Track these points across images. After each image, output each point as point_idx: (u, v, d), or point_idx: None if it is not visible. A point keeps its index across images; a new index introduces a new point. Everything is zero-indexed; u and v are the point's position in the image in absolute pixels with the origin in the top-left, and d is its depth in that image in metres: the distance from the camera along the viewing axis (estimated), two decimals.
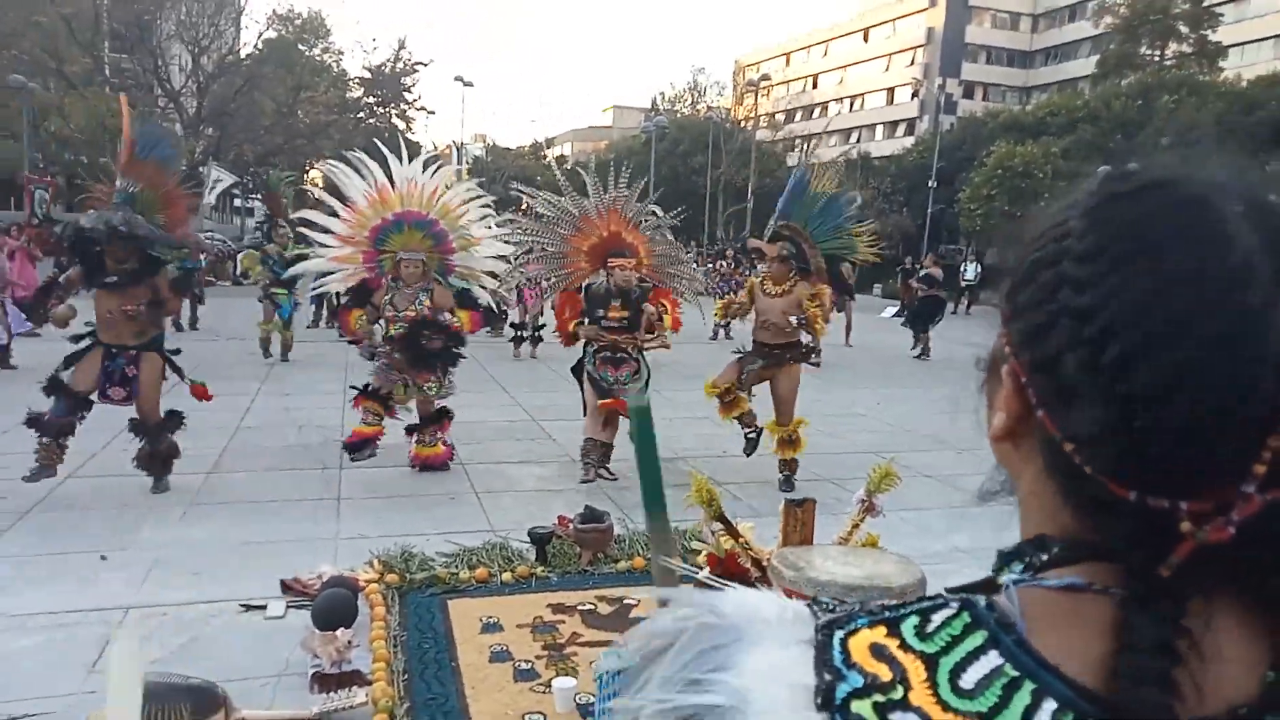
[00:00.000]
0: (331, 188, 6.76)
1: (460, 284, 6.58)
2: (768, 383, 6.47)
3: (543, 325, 12.14)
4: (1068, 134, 32.05)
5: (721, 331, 14.77)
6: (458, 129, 43.49)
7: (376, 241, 6.34)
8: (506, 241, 6.92)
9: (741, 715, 0.50)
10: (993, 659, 0.50)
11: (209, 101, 32.76)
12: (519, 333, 12.51)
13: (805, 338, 6.40)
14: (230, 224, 41.42)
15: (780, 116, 50.54)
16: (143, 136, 5.92)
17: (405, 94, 39.94)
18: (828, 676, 0.51)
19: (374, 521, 5.22)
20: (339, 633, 3.41)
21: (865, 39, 59.90)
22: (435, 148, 46.72)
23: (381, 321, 6.33)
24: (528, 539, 4.67)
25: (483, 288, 6.70)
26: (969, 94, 53.54)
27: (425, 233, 6.38)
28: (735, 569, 2.61)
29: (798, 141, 48.63)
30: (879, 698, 0.50)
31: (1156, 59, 39.59)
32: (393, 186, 6.35)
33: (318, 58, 38.03)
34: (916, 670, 0.51)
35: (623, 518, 5.28)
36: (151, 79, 32.95)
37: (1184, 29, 39.53)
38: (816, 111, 58.54)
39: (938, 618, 0.54)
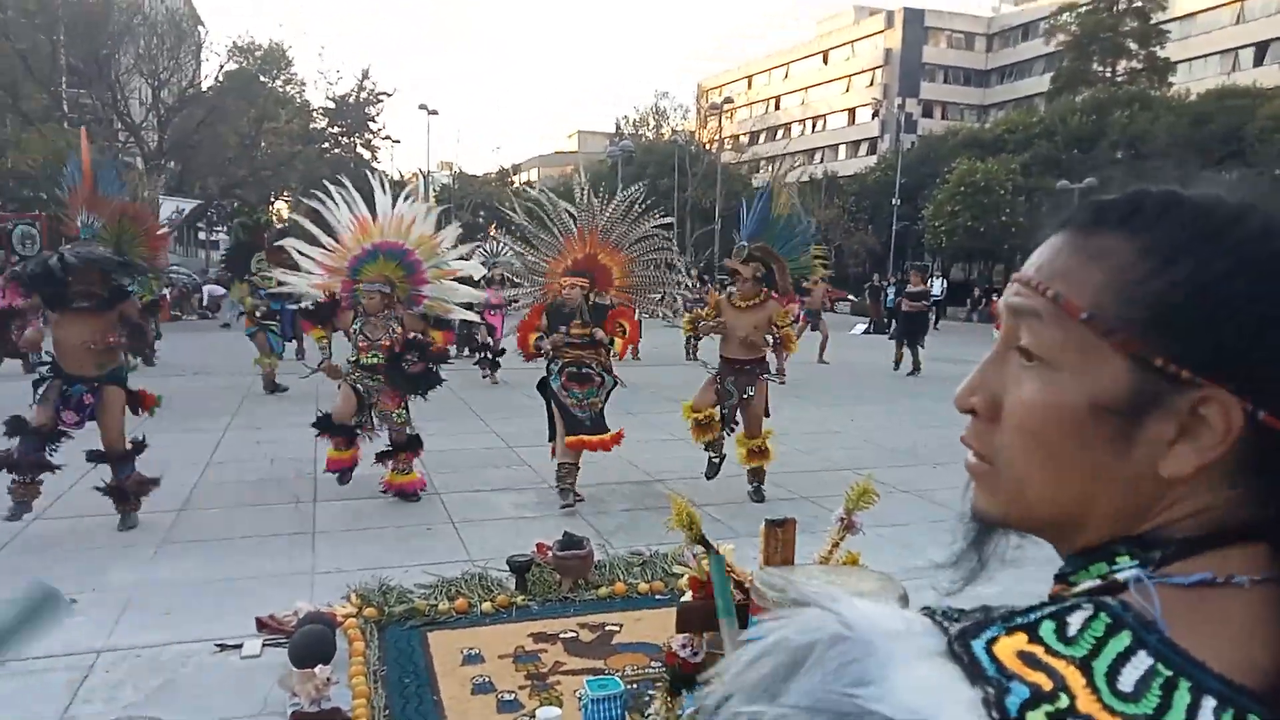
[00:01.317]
0: (315, 217, 6.74)
1: (424, 311, 6.58)
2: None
3: (503, 351, 12.15)
4: (1025, 149, 32.69)
5: (691, 351, 14.83)
6: (423, 157, 43.31)
7: (353, 271, 6.36)
8: (474, 277, 7.00)
9: None
10: (1143, 659, 0.50)
11: (170, 134, 32.50)
12: (483, 355, 12.52)
13: (770, 357, 6.50)
14: (195, 257, 40.95)
15: (744, 138, 51.05)
16: (102, 171, 5.92)
17: (370, 123, 39.90)
18: (990, 689, 0.49)
19: (350, 555, 5.15)
20: (317, 670, 3.36)
21: (825, 61, 60.77)
22: (401, 176, 46.80)
23: (351, 349, 6.33)
24: (507, 568, 4.64)
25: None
26: (928, 113, 54.44)
27: (398, 262, 6.38)
28: None
29: (763, 163, 49.13)
30: (1049, 708, 0.48)
31: (1108, 75, 40.56)
32: (374, 218, 6.38)
33: (280, 89, 37.89)
34: (1074, 676, 0.50)
35: (602, 543, 5.26)
36: (111, 113, 32.64)
37: (1133, 46, 40.58)
38: (780, 133, 59.24)
39: (1075, 619, 0.53)
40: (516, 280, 6.99)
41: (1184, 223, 0.57)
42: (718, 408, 6.51)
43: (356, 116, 38.89)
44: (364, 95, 38.72)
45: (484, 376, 12.45)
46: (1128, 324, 0.56)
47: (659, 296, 7.03)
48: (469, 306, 6.96)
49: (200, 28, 35.62)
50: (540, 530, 5.40)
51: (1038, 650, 0.52)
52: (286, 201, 36.80)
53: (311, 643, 3.52)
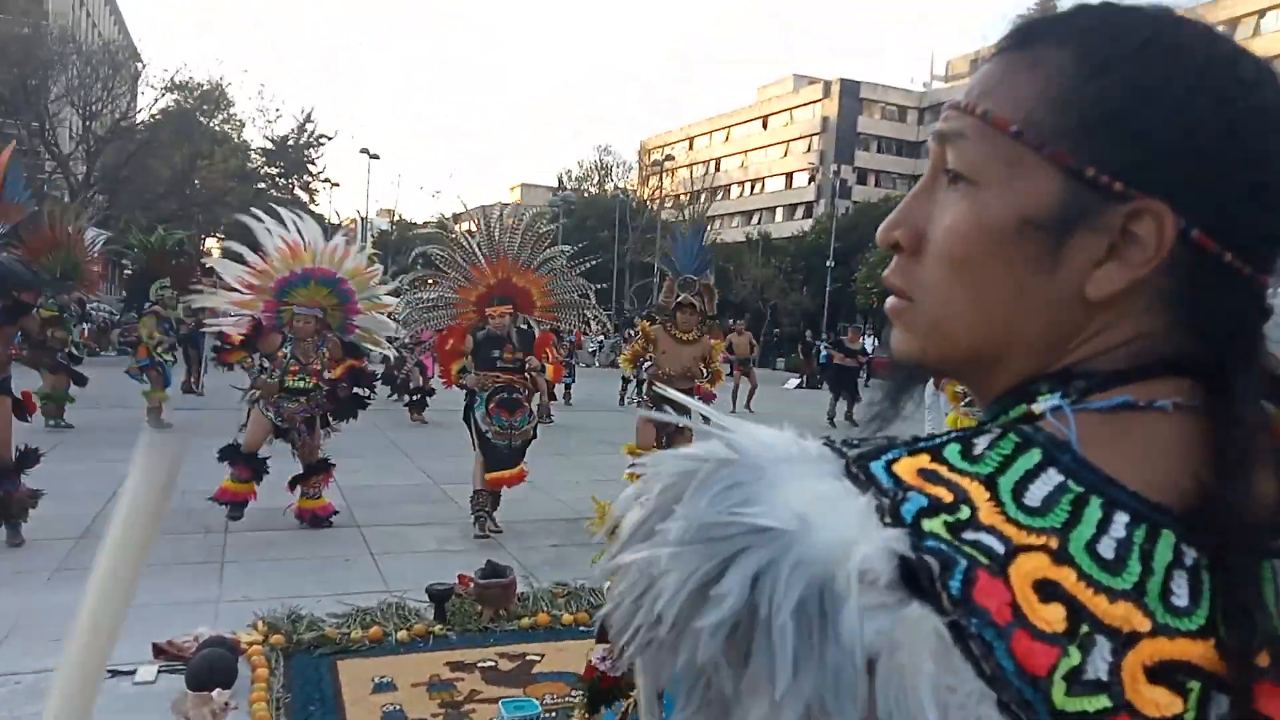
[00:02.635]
0: (234, 256, 6.63)
1: (354, 340, 6.55)
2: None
3: (433, 391, 11.98)
4: None
5: (632, 390, 14.86)
6: (362, 201, 43.05)
7: (280, 293, 6.27)
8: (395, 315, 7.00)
9: (799, 541, 0.43)
10: (1053, 476, 0.48)
11: (99, 167, 31.70)
12: (412, 397, 12.29)
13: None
14: (115, 292, 39.73)
15: (684, 197, 51.95)
16: (10, 178, 5.78)
17: (309, 165, 39.53)
18: (885, 499, 0.46)
19: (260, 585, 4.92)
20: (215, 693, 3.18)
21: (764, 125, 62.42)
22: (339, 220, 46.35)
23: (277, 372, 6.17)
24: (426, 598, 4.47)
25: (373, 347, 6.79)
26: (862, 180, 56.16)
27: (331, 290, 6.35)
28: None
29: (704, 216, 49.93)
30: (948, 517, 0.45)
31: None
32: (304, 244, 6.34)
33: (217, 128, 37.37)
34: (977, 490, 0.47)
35: (527, 576, 5.12)
36: (38, 143, 31.76)
37: None
38: (720, 194, 60.41)
39: (981, 441, 0.50)
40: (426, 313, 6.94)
41: (1121, 28, 0.54)
42: (658, 442, 6.46)
43: (296, 158, 38.50)
44: (305, 138, 38.41)
45: (412, 419, 12.19)
46: (1059, 135, 0.53)
47: (585, 316, 7.06)
48: (390, 341, 6.96)
49: (137, 62, 35.03)
50: (463, 564, 5.23)
51: (940, 468, 0.48)
52: (218, 239, 36.02)
53: (210, 665, 3.32)
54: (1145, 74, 0.52)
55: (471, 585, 4.53)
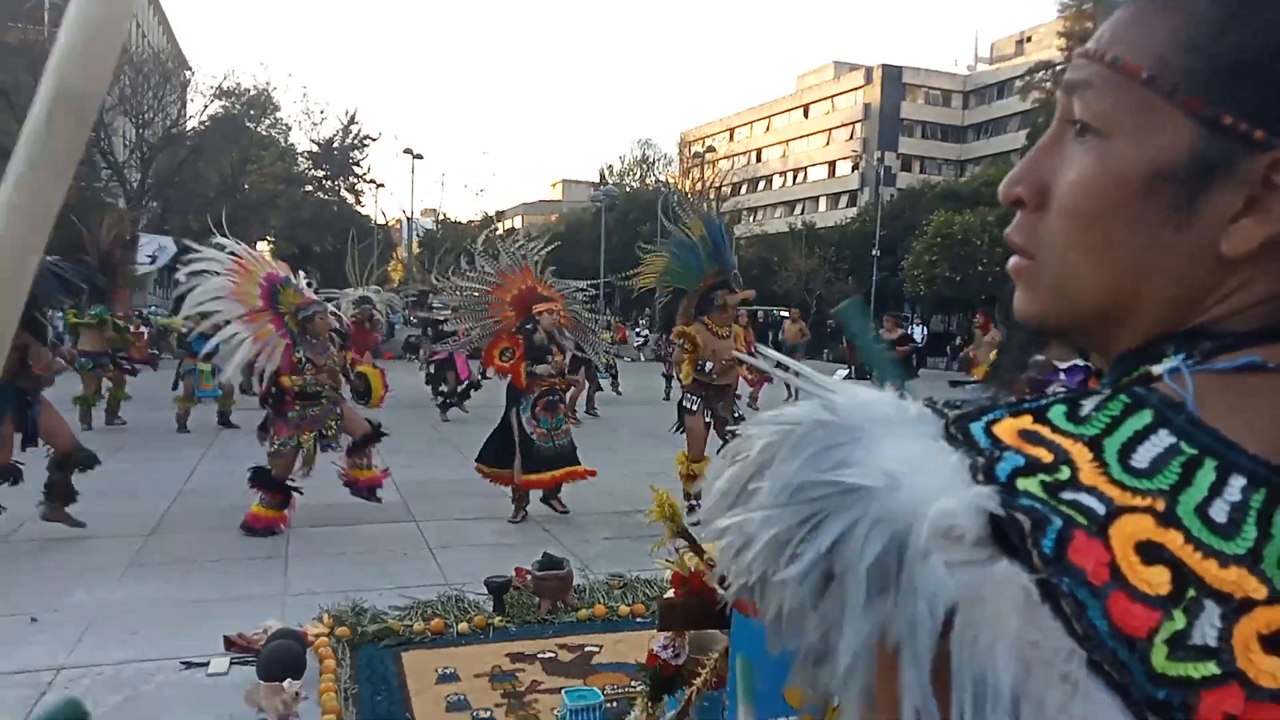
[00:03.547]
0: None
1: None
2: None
3: (478, 385, 12.12)
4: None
5: (668, 391, 14.91)
6: (407, 200, 43.42)
7: (273, 303, 6.17)
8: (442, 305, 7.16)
9: (888, 497, 0.43)
10: (1164, 437, 0.46)
11: (153, 173, 32.45)
12: (447, 400, 12.33)
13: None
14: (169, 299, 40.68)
15: (726, 188, 51.73)
16: None
17: (355, 167, 40.03)
18: (980, 457, 0.45)
19: (324, 578, 5.02)
20: (286, 683, 3.26)
21: (805, 114, 61.86)
22: (385, 220, 46.92)
23: (294, 377, 6.16)
24: (484, 590, 4.54)
25: None
26: (907, 167, 55.42)
27: (293, 288, 6.32)
28: (701, 587, 2.54)
29: (744, 213, 49.67)
30: (1045, 477, 0.44)
31: None
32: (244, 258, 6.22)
33: (265, 132, 37.99)
34: (1080, 452, 0.46)
35: (583, 568, 5.17)
36: (94, 152, 32.59)
37: None
38: (761, 184, 60.06)
39: (1089, 402, 0.49)
40: (458, 313, 7.04)
41: None
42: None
43: (341, 160, 39.03)
44: (349, 139, 38.91)
45: (443, 419, 12.19)
46: (1194, 81, 0.50)
47: (596, 343, 7.41)
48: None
49: (186, 70, 35.78)
50: (518, 556, 5.30)
51: (1043, 429, 0.47)
52: (269, 242, 36.66)
53: (280, 656, 3.41)
54: None
55: (529, 578, 4.59)
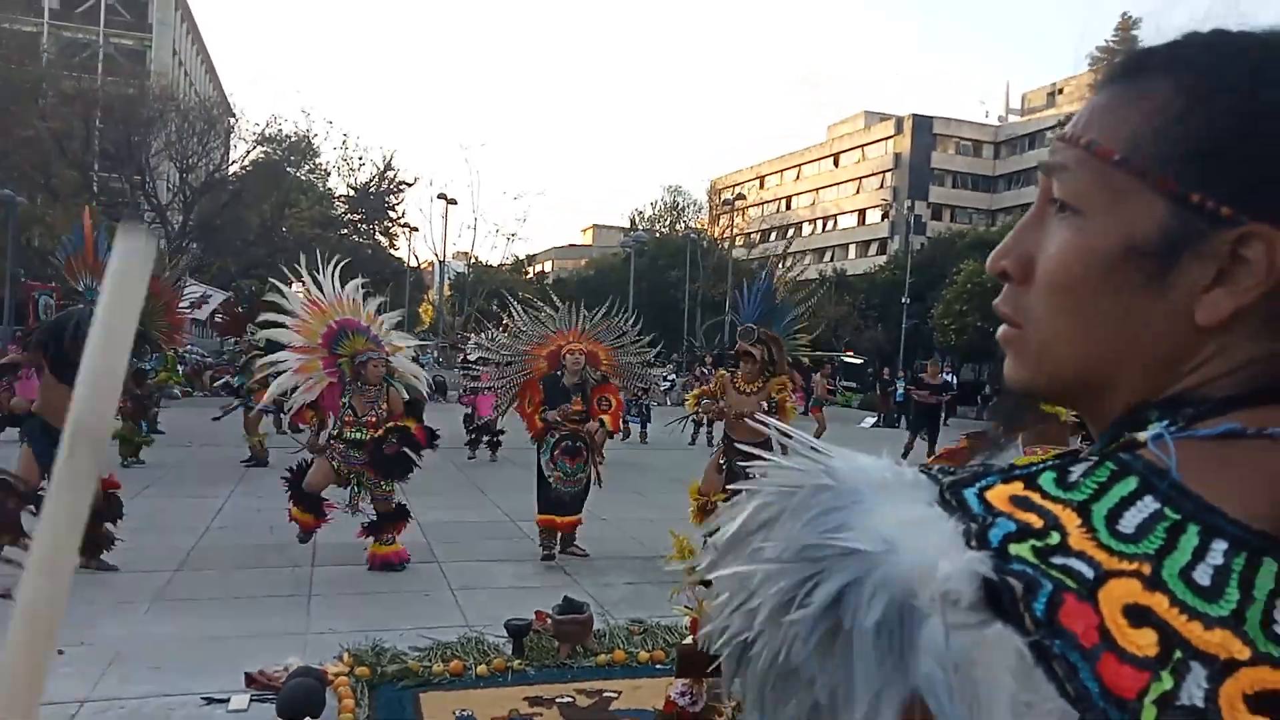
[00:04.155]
0: (275, 308, 6.81)
1: (399, 384, 6.66)
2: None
3: (502, 431, 12.18)
4: None
5: (702, 434, 14.86)
6: (439, 244, 43.99)
7: (333, 347, 6.37)
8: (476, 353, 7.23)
9: (885, 562, 0.45)
10: (1149, 503, 0.48)
11: (195, 217, 33.25)
12: (472, 435, 12.44)
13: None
14: (210, 338, 41.36)
15: (755, 235, 51.97)
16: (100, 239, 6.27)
17: (389, 211, 40.76)
18: (973, 524, 0.47)
19: (346, 618, 5.04)
20: None
21: (835, 163, 62.30)
22: (417, 263, 47.57)
23: (335, 422, 6.33)
24: (504, 633, 4.53)
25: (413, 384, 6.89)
26: (937, 215, 55.48)
27: (365, 337, 6.46)
28: None
29: (772, 260, 49.79)
30: (1036, 543, 0.46)
31: None
32: (324, 299, 6.48)
33: (304, 177, 38.88)
34: (1069, 517, 0.47)
35: (603, 613, 5.15)
36: (139, 195, 33.53)
37: None
38: (791, 231, 60.28)
39: (1077, 469, 0.50)
40: (498, 360, 7.22)
41: (1229, 55, 0.54)
42: (724, 491, 6.40)
43: (376, 204, 39.77)
44: (386, 184, 39.67)
45: (469, 458, 12.26)
46: (1164, 162, 0.53)
47: (644, 385, 7.46)
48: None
49: (230, 117, 36.80)
50: (539, 599, 5.28)
51: (1033, 495, 0.49)
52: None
53: (300, 695, 3.42)
54: (1253, 100, 0.52)
55: (549, 621, 4.57)
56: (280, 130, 36.42)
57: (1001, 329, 0.62)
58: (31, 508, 5.48)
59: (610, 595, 5.69)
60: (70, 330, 5.46)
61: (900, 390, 22.31)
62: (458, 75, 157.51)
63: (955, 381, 28.27)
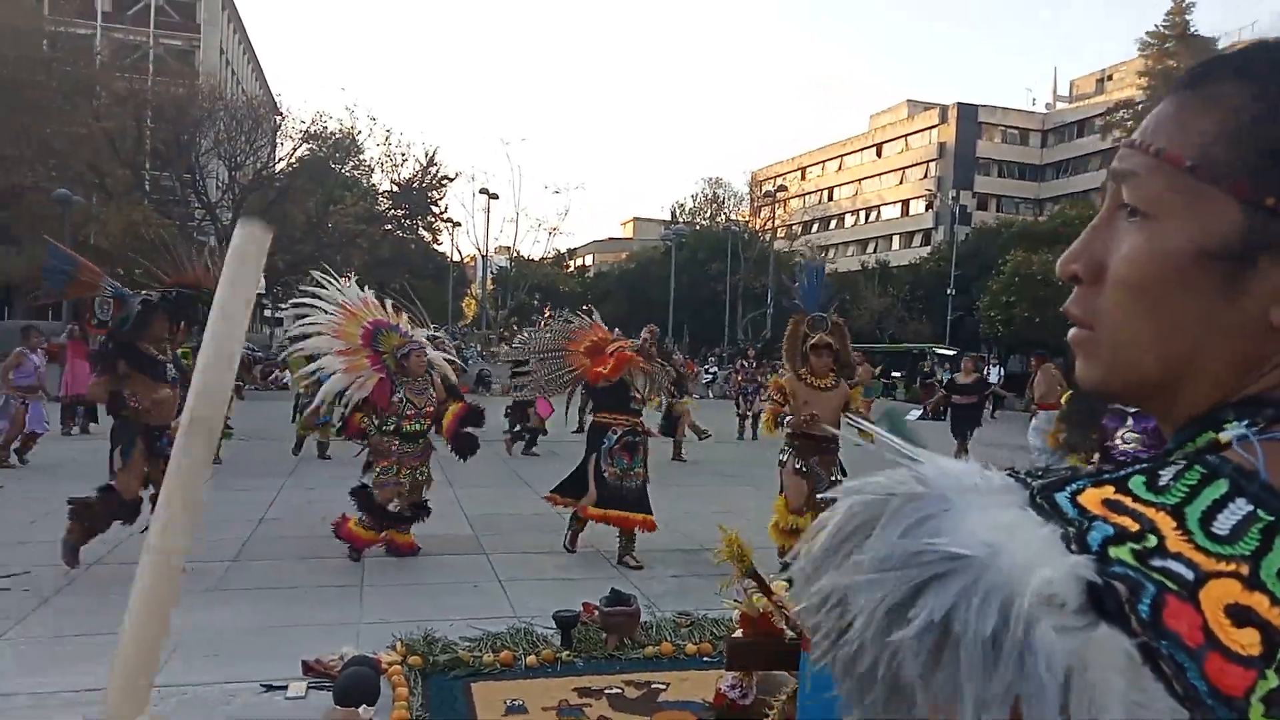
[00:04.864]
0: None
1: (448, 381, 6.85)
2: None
3: (544, 431, 12.46)
4: None
5: (749, 430, 14.85)
6: (481, 239, 44.30)
7: (373, 344, 6.48)
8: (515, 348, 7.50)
9: (988, 567, 0.45)
10: (1241, 505, 0.48)
11: (243, 214, 33.83)
12: (518, 435, 12.53)
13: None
14: (259, 333, 42.17)
15: (797, 227, 51.58)
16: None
17: (432, 207, 41.10)
18: (1071, 527, 0.47)
19: (397, 608, 5.14)
20: (360, 709, 3.34)
21: (878, 153, 61.51)
22: (461, 257, 47.99)
23: (392, 419, 6.38)
24: (552, 624, 4.59)
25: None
26: (983, 205, 54.57)
27: (399, 334, 6.59)
28: (769, 628, 2.53)
29: (815, 251, 49.38)
30: (1134, 545, 0.46)
31: None
32: (351, 303, 6.59)
33: (348, 173, 39.34)
34: (1163, 520, 0.48)
35: (650, 606, 5.18)
36: (189, 193, 34.22)
37: None
38: (833, 222, 59.76)
39: (1167, 473, 0.51)
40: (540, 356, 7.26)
41: None
42: (810, 499, 5.92)
43: (419, 200, 40.13)
44: (429, 180, 40.01)
45: (509, 452, 12.36)
46: (1238, 167, 0.54)
47: (666, 381, 7.49)
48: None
49: (276, 115, 37.37)
50: (586, 591, 5.34)
51: (1125, 499, 0.49)
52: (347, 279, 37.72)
53: (356, 682, 3.50)
54: None
55: (597, 613, 4.62)
56: (325, 128, 36.93)
57: (1072, 331, 0.63)
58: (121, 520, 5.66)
59: (655, 588, 5.72)
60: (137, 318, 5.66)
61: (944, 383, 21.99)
62: (498, 72, 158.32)
63: (1002, 373, 27.89)
